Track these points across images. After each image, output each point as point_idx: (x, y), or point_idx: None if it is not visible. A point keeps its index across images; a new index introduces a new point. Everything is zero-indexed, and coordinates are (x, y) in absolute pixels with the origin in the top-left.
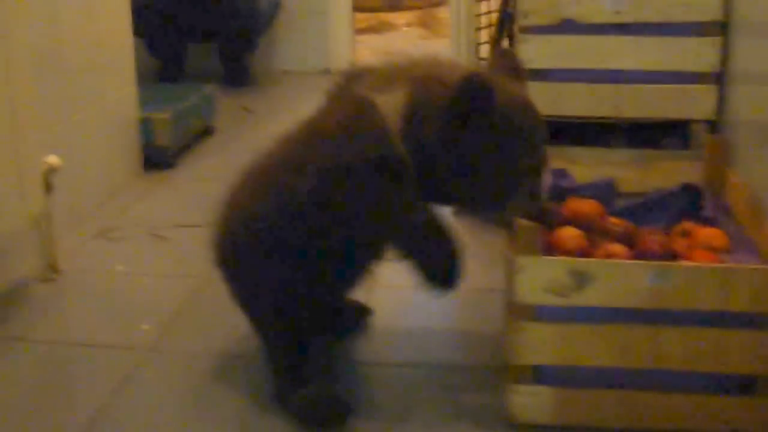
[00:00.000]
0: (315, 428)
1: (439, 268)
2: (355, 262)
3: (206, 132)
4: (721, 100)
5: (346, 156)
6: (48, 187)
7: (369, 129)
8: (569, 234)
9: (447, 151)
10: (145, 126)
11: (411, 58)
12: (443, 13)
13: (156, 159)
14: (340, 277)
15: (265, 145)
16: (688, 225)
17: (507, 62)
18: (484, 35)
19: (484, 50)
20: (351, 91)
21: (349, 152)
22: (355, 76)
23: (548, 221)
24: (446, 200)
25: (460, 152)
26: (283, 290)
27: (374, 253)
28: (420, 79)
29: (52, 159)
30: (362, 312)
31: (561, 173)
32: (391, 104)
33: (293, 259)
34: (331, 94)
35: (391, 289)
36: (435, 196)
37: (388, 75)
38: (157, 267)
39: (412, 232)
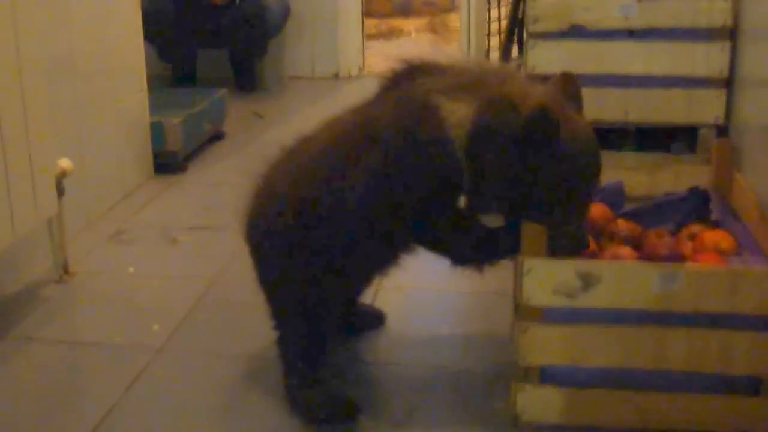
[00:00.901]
0: (324, 427)
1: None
2: (381, 260)
3: (217, 136)
4: (730, 105)
5: (406, 163)
6: (60, 191)
7: (433, 137)
8: None
9: (505, 175)
10: (157, 130)
11: (482, 68)
12: (453, 19)
13: (167, 163)
14: (365, 273)
15: (310, 129)
16: (695, 228)
17: (568, 87)
18: (494, 41)
19: (494, 56)
20: (416, 90)
21: (409, 159)
22: (416, 70)
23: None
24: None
25: (518, 178)
26: (307, 283)
27: (403, 250)
28: (491, 96)
29: (65, 162)
30: (376, 317)
31: None
32: (458, 115)
33: (321, 254)
34: (386, 85)
35: (399, 290)
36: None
37: (458, 81)
38: (168, 269)
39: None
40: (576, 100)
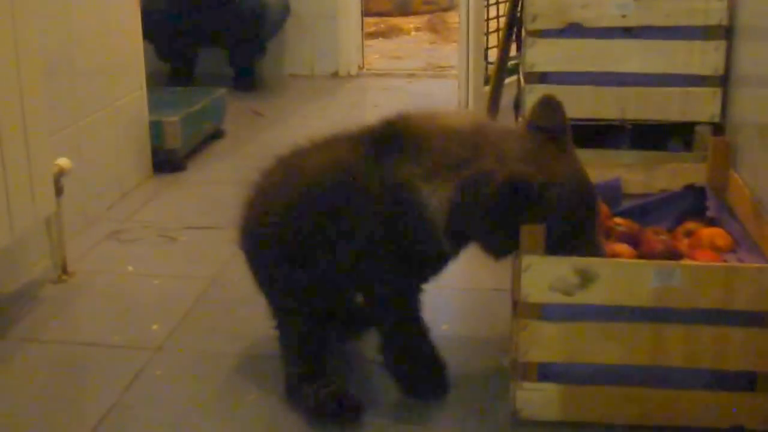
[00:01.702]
0: (327, 424)
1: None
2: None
3: (216, 135)
4: (725, 103)
5: (388, 237)
6: (58, 189)
7: (415, 224)
8: None
9: (494, 238)
10: (156, 129)
11: (456, 133)
12: (452, 17)
13: (166, 162)
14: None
15: (301, 142)
16: (691, 225)
17: (549, 115)
18: (493, 39)
19: (493, 54)
20: (397, 175)
21: (391, 236)
22: (404, 140)
23: None
24: None
25: (509, 238)
26: (304, 286)
27: None
28: (469, 173)
29: (63, 161)
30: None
31: None
32: (437, 199)
33: (318, 256)
34: (368, 141)
35: None
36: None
37: (437, 162)
38: (167, 268)
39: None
40: (560, 124)
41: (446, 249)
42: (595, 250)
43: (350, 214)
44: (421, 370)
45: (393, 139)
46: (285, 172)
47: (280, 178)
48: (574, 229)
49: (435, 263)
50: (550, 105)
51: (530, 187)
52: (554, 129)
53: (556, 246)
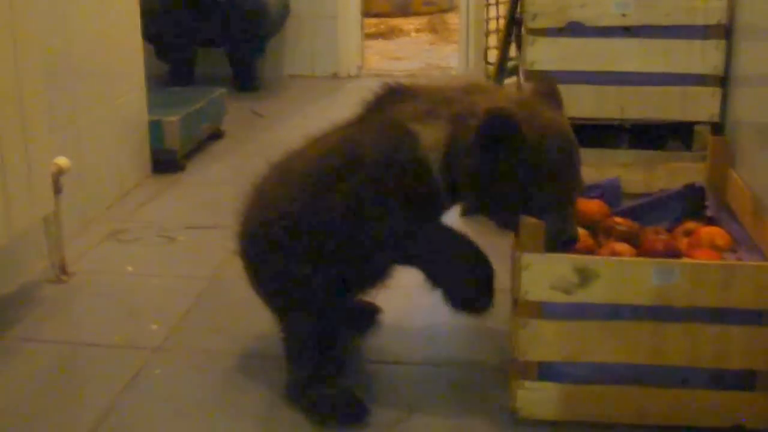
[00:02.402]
0: (330, 426)
1: (468, 293)
2: (376, 268)
3: (216, 135)
4: (725, 103)
5: (388, 185)
6: (57, 188)
7: (412, 161)
8: None
9: (478, 181)
10: (155, 129)
11: (453, 85)
12: (452, 18)
13: (166, 162)
14: (362, 278)
15: (295, 142)
16: (691, 224)
17: (545, 87)
18: (493, 40)
19: (493, 54)
20: (393, 117)
21: (391, 181)
22: (395, 94)
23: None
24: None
25: (490, 181)
26: (307, 287)
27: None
28: (458, 113)
29: (61, 160)
30: (373, 311)
31: None
32: (433, 138)
33: (320, 257)
34: (369, 108)
35: (399, 289)
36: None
37: (430, 106)
38: (166, 268)
39: (441, 258)
40: (554, 98)
41: (441, 191)
42: (561, 227)
43: (354, 170)
44: (461, 285)
45: (391, 92)
46: (282, 168)
47: (277, 176)
48: (550, 188)
49: (434, 207)
50: (546, 78)
51: (510, 119)
52: (547, 91)
53: (526, 205)
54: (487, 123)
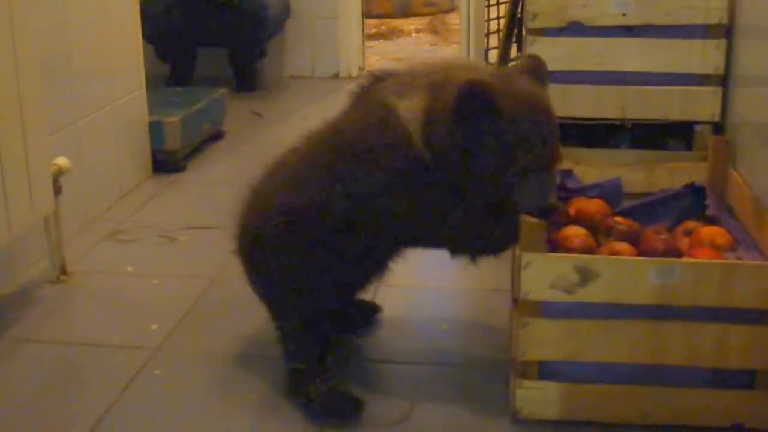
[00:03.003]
0: (327, 423)
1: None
2: (377, 259)
3: (216, 136)
4: (725, 102)
5: (375, 164)
6: (57, 189)
7: (393, 139)
8: (575, 233)
9: (456, 151)
10: (155, 129)
11: (431, 63)
12: (453, 19)
13: (166, 162)
14: (362, 272)
15: (292, 142)
16: (691, 224)
17: (531, 63)
18: (494, 40)
19: (493, 55)
20: (374, 96)
21: (377, 159)
22: (378, 79)
23: (554, 218)
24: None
25: (467, 151)
26: (306, 285)
27: (396, 250)
28: (436, 83)
29: (62, 161)
30: (372, 310)
31: (567, 174)
32: (411, 109)
33: (318, 255)
34: (355, 96)
35: (398, 288)
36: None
37: (409, 80)
38: (166, 268)
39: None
40: (538, 76)
41: (428, 162)
42: (535, 195)
43: (344, 156)
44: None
45: (374, 79)
46: (276, 167)
47: (272, 175)
48: (523, 157)
49: (425, 179)
50: (532, 56)
51: (485, 90)
52: (532, 68)
53: (499, 181)
54: (462, 93)
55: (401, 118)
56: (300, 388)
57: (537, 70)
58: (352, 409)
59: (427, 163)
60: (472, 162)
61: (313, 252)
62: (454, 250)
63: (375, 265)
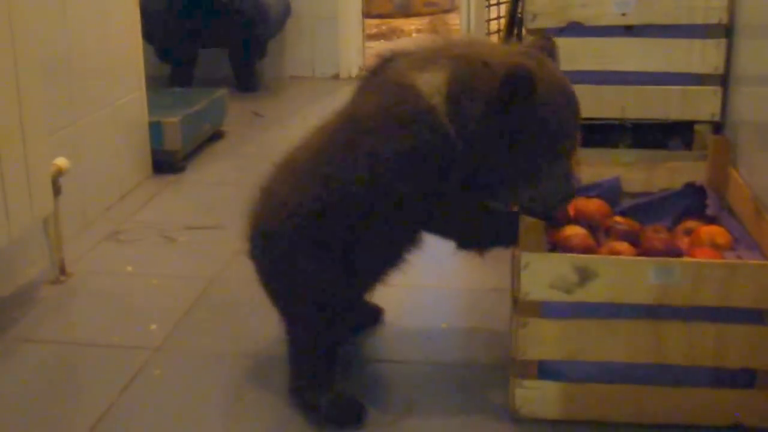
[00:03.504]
0: (329, 428)
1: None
2: (390, 255)
3: (216, 136)
4: (725, 102)
5: (397, 145)
6: (56, 189)
7: (416, 111)
8: (575, 232)
9: (489, 133)
10: (155, 130)
11: (447, 39)
12: (454, 19)
13: (166, 163)
14: (374, 270)
15: (301, 137)
16: (691, 223)
17: (545, 43)
18: (494, 40)
19: None
20: (389, 75)
21: (399, 140)
22: (387, 60)
23: (555, 218)
24: (486, 185)
25: (502, 135)
26: (320, 285)
27: (410, 243)
28: (460, 57)
29: (61, 161)
30: (376, 313)
31: None
32: (432, 83)
33: (332, 253)
34: (366, 79)
35: (399, 288)
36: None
37: (426, 55)
38: (166, 269)
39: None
40: (552, 55)
41: (454, 140)
42: (562, 184)
43: (360, 141)
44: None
45: (384, 61)
46: (286, 164)
47: (283, 173)
48: (554, 149)
49: (452, 162)
50: (545, 35)
51: (530, 78)
52: (546, 46)
53: (531, 166)
54: (508, 79)
55: (422, 92)
56: (305, 394)
57: (552, 50)
58: (358, 415)
59: (453, 139)
60: (506, 145)
61: (326, 252)
62: (464, 241)
63: (391, 260)
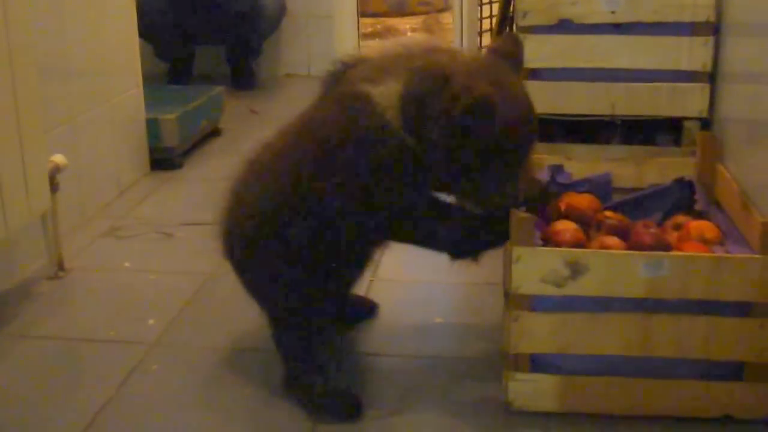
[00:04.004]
0: (324, 420)
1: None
2: (360, 252)
3: (213, 133)
4: (713, 99)
5: (355, 158)
6: (54, 186)
7: (371, 126)
8: (566, 227)
9: (446, 149)
10: (153, 127)
11: (406, 47)
12: (448, 18)
13: (163, 159)
14: (348, 266)
15: (265, 138)
16: (680, 218)
17: (508, 46)
18: (486, 39)
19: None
20: (345, 85)
21: (356, 153)
22: (348, 66)
23: (548, 202)
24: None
25: (458, 151)
26: (292, 283)
27: (379, 242)
28: (418, 68)
29: (58, 158)
30: (369, 308)
31: (558, 169)
32: (386, 96)
33: (300, 251)
34: (326, 85)
35: (392, 282)
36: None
37: (383, 65)
38: (163, 264)
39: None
40: (514, 59)
41: (413, 148)
42: (506, 190)
43: (322, 153)
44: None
45: (344, 66)
46: (253, 164)
47: (249, 173)
48: (506, 161)
49: (413, 169)
50: (509, 36)
51: (490, 108)
52: (508, 51)
53: (489, 179)
54: (468, 109)
55: (377, 106)
56: (298, 386)
57: (514, 53)
58: (355, 408)
59: (414, 150)
60: (463, 162)
61: (298, 254)
62: (456, 250)
63: (366, 258)
